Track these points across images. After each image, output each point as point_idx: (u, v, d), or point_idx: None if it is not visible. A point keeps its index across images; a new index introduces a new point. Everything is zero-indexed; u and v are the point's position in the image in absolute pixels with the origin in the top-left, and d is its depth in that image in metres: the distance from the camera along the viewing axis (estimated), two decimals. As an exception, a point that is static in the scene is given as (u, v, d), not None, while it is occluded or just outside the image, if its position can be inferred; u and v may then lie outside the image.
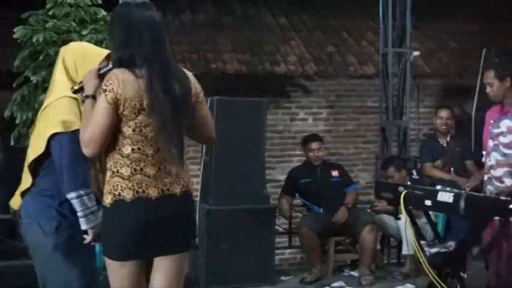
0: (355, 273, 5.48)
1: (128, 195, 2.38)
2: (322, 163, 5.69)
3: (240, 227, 5.01)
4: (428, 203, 3.82)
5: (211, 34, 8.05)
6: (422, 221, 4.54)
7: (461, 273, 4.09)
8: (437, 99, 8.01)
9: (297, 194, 5.83)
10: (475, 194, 3.89)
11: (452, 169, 5.77)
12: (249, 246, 5.02)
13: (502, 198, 3.73)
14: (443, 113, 5.83)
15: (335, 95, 8.18)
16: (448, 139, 5.89)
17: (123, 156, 2.40)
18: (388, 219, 5.58)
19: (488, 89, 3.97)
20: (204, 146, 5.18)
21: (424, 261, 3.88)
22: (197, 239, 5.06)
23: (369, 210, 5.86)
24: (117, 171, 2.40)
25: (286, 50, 8.10)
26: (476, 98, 6.26)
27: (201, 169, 5.27)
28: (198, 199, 5.19)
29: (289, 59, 7.88)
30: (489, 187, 4.04)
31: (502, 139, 3.94)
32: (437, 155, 5.84)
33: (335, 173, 5.70)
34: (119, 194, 2.38)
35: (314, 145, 5.63)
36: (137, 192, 2.39)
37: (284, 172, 6.36)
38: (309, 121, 8.08)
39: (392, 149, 6.60)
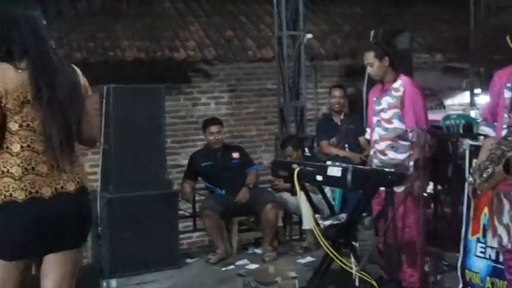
0: (258, 251, 5.61)
1: (20, 196, 2.34)
2: (222, 146, 5.75)
3: (143, 214, 4.99)
4: (319, 178, 4.02)
5: (108, 21, 7.90)
6: (319, 196, 4.76)
7: (353, 243, 4.34)
8: (333, 79, 8.26)
9: (200, 178, 5.89)
10: (361, 167, 4.12)
11: (346, 145, 6.02)
12: (153, 232, 5.02)
13: (386, 170, 3.98)
14: (336, 92, 6.07)
15: (235, 79, 8.28)
16: (342, 117, 6.12)
17: (12, 155, 2.35)
18: (288, 196, 5.76)
19: (369, 69, 4.18)
20: (103, 134, 5.13)
21: (318, 234, 4.09)
22: (99, 228, 5.05)
23: (270, 189, 6.03)
24: (8, 171, 2.35)
25: (185, 35, 8.11)
26: (366, 77, 6.53)
27: (100, 158, 5.21)
28: (98, 188, 5.15)
29: (188, 44, 7.89)
30: (374, 160, 4.26)
31: (383, 115, 4.16)
32: (332, 133, 6.06)
33: (235, 155, 5.78)
34: (10, 195, 2.33)
35: (213, 128, 5.68)
36: (30, 192, 2.35)
37: (188, 157, 6.40)
38: (211, 105, 8.15)
39: (291, 129, 6.81)
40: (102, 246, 4.99)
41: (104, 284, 4.68)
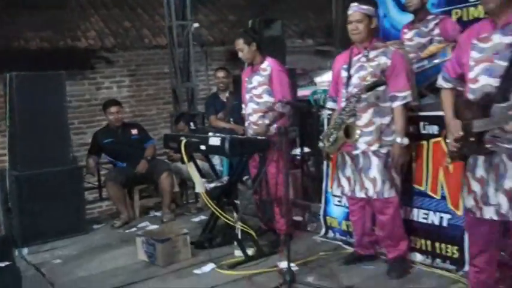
0: (158, 214, 5.66)
1: None
2: (122, 124, 5.69)
3: (50, 188, 4.86)
4: (203, 147, 4.12)
5: (12, 13, 7.52)
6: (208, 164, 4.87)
7: (235, 201, 4.51)
8: (222, 63, 8.38)
9: (103, 154, 5.82)
10: (237, 136, 4.26)
11: (231, 119, 6.14)
12: (61, 203, 4.91)
13: (259, 138, 4.16)
14: (220, 74, 6.13)
15: (135, 64, 8.21)
16: (227, 95, 6.19)
17: None
18: (182, 165, 5.83)
19: (240, 54, 4.30)
20: (8, 118, 4.95)
21: (204, 195, 4.22)
22: (9, 203, 4.92)
23: (167, 160, 6.08)
24: None
25: (86, 26, 7.89)
26: (247, 60, 6.65)
27: (7, 140, 5.03)
28: (7, 168, 4.99)
29: (89, 34, 7.70)
30: (249, 131, 4.41)
31: (254, 92, 4.31)
32: (219, 109, 6.14)
33: (134, 132, 5.73)
34: None
35: (113, 109, 5.61)
36: None
37: (93, 135, 6.30)
38: (114, 89, 8.04)
39: (184, 107, 6.86)
40: (12, 219, 4.86)
41: (16, 252, 4.57)
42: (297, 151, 5.41)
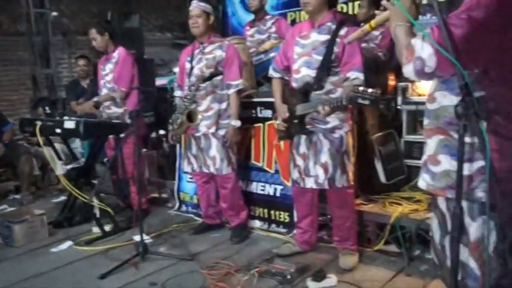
0: (18, 196, 5.14)
1: None
2: (-23, 109, 5.07)
3: None
4: (58, 130, 3.81)
5: None
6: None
7: (92, 181, 4.24)
8: (85, 52, 7.80)
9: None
10: (92, 120, 3.97)
11: (93, 105, 5.76)
12: None
13: (113, 121, 3.94)
14: (80, 62, 5.72)
15: (-6, 50, 7.31)
16: (88, 81, 5.81)
17: None
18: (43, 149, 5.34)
19: (93, 43, 4.05)
20: None
21: (61, 177, 3.90)
22: None
23: (26, 144, 5.53)
24: None
25: None
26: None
27: None
28: None
29: None
30: (103, 114, 4.14)
31: (107, 78, 4.09)
32: (80, 95, 5.72)
33: (-9, 117, 5.15)
34: None
35: (-35, 94, 4.97)
36: None
37: None
38: (-30, 74, 7.09)
39: (45, 93, 6.28)
40: None
41: None
42: (153, 134, 5.24)
